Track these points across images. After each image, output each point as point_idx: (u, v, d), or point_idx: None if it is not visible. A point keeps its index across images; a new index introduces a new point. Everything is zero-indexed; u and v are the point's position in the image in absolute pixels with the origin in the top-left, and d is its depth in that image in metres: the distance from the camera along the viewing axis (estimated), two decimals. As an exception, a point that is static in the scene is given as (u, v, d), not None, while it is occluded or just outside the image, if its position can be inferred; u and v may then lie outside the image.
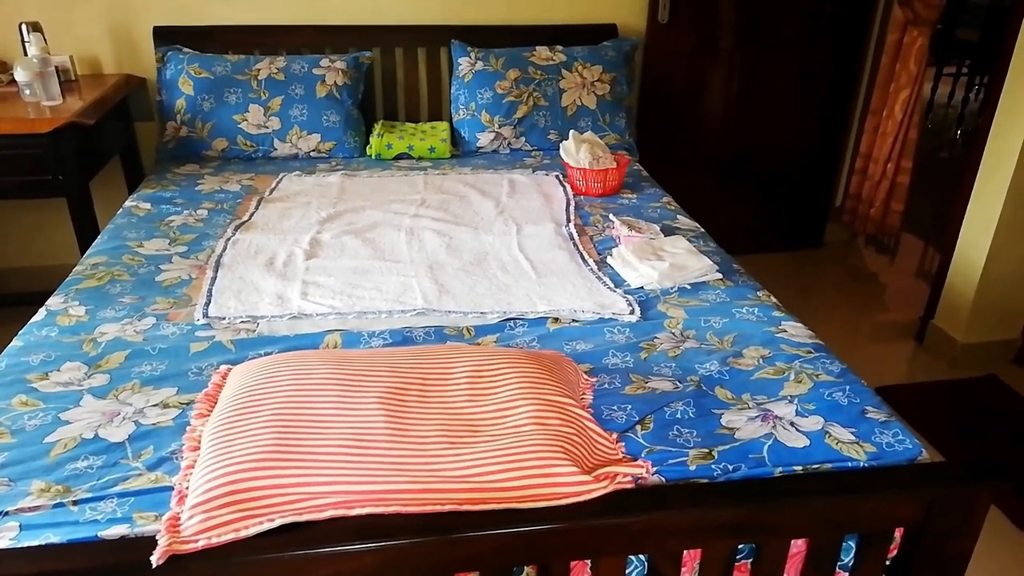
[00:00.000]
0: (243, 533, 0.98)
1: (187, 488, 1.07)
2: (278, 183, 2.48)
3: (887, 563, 1.20)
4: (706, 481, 1.16)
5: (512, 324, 1.65)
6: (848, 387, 1.42)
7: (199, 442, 1.17)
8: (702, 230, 2.19)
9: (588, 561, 1.10)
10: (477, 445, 1.12)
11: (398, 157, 2.74)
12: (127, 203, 2.34)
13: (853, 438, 1.28)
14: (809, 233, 3.58)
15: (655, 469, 1.18)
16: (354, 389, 1.21)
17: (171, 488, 1.12)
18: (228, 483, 1.04)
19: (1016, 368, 2.61)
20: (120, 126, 2.82)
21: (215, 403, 1.27)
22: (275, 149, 2.71)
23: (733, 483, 1.14)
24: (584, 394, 1.37)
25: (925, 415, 2.35)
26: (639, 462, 1.16)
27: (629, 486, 1.11)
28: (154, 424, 1.30)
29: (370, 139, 2.76)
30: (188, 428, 1.24)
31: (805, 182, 3.43)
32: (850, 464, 1.21)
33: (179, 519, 1.02)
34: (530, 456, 1.09)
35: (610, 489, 1.08)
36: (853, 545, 1.18)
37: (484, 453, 1.10)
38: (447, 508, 1.02)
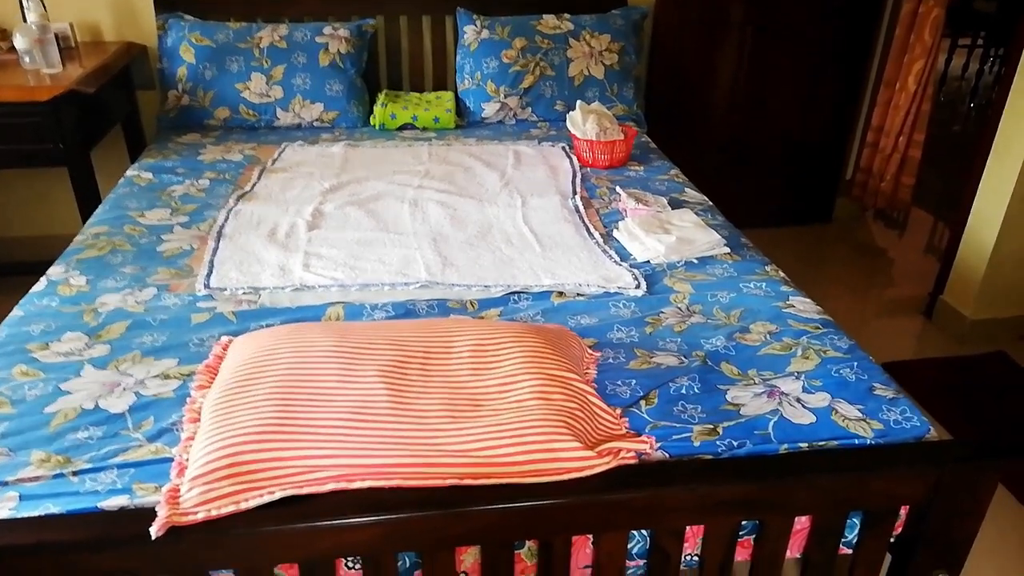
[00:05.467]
0: (243, 506, 0.98)
1: (187, 460, 1.07)
2: (280, 153, 2.45)
3: (891, 540, 1.19)
4: (711, 457, 1.15)
5: (516, 297, 1.64)
6: (856, 363, 1.40)
7: (199, 414, 1.16)
8: (710, 203, 2.16)
9: (590, 536, 1.09)
10: (479, 419, 1.11)
11: (402, 127, 2.70)
12: (128, 172, 2.32)
13: (860, 415, 1.26)
14: (818, 207, 3.53)
15: (659, 445, 1.17)
16: (356, 362, 1.20)
17: (171, 459, 1.11)
18: (229, 455, 1.03)
19: (1024, 345, 2.59)
20: (121, 94, 2.78)
21: (216, 375, 1.26)
22: (278, 119, 2.67)
23: (738, 460, 1.13)
24: (588, 368, 1.36)
25: (933, 391, 2.33)
26: (643, 438, 1.15)
27: (632, 462, 1.10)
28: (155, 395, 1.29)
29: (374, 109, 2.72)
30: (188, 400, 1.23)
31: (815, 155, 3.38)
32: (856, 441, 1.20)
33: (179, 491, 1.01)
34: (532, 431, 1.08)
35: (613, 465, 1.07)
36: (857, 522, 1.17)
37: (486, 427, 1.09)
38: (448, 482, 1.02)
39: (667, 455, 1.16)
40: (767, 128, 3.27)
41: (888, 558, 1.22)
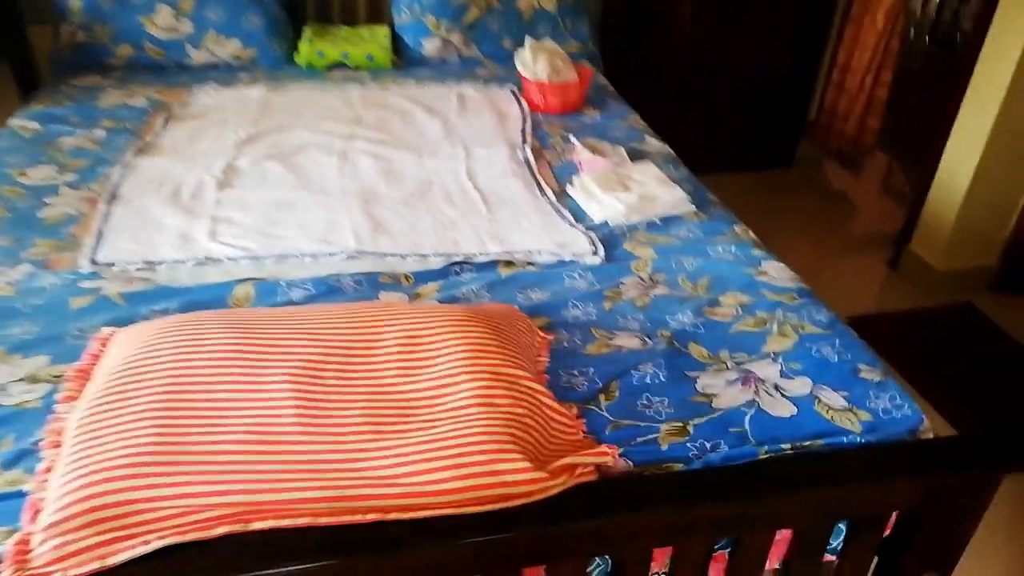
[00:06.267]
0: (111, 560, 0.78)
1: (43, 500, 0.86)
2: (191, 97, 2.16)
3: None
4: (681, 468, 0.99)
5: (458, 269, 1.44)
6: (838, 340, 1.26)
7: (62, 436, 0.95)
8: (672, 153, 1.96)
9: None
10: (409, 435, 0.93)
11: (331, 67, 2.41)
12: (11, 122, 2.00)
13: (845, 404, 1.12)
14: (779, 151, 3.37)
15: (621, 451, 1.00)
16: (259, 364, 1.00)
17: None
18: (91, 496, 0.83)
19: (992, 295, 2.50)
20: (5, 30, 2.41)
21: (88, 380, 1.04)
22: (188, 57, 2.36)
23: (711, 474, 0.97)
24: (540, 356, 1.18)
25: (899, 346, 2.23)
26: (603, 448, 0.97)
27: (592, 478, 0.93)
28: (17, 405, 1.07)
29: (299, 45, 2.41)
30: (50, 416, 1.01)
31: (778, 96, 3.19)
32: (845, 440, 1.05)
33: (30, 543, 0.81)
34: (472, 448, 0.90)
35: (569, 485, 0.90)
36: (843, 527, 1.04)
37: (417, 445, 0.91)
38: (370, 518, 0.83)
39: (631, 464, 0.99)
40: (729, 66, 3.05)
41: (874, 559, 1.09)
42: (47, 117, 2.02)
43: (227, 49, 2.36)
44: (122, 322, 1.22)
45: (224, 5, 2.33)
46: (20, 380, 1.11)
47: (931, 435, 1.07)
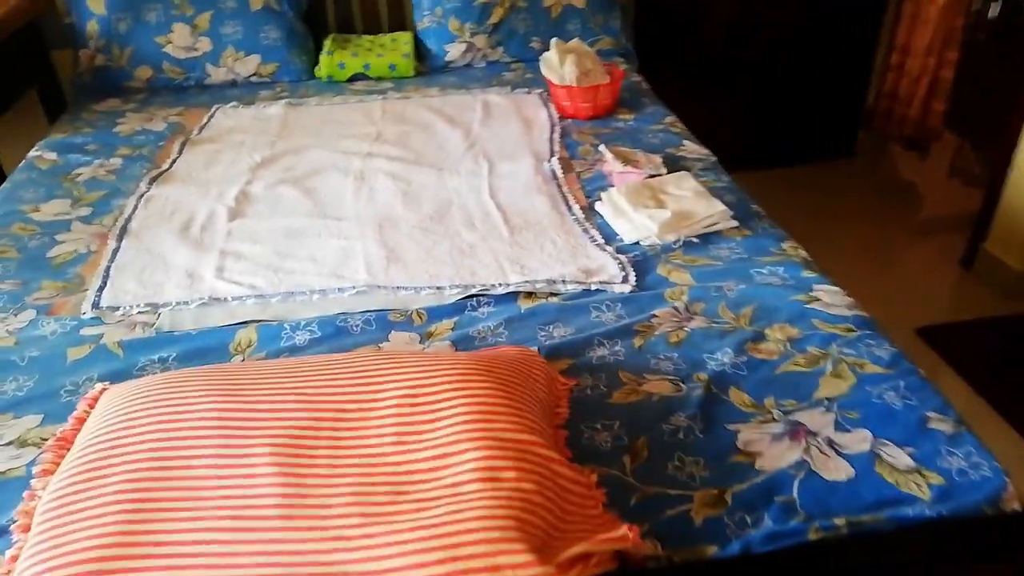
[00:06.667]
0: (67, 677, 0.70)
1: (5, 597, 0.79)
2: (210, 118, 2.10)
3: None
4: (714, 552, 0.86)
5: (474, 303, 1.32)
6: (902, 382, 1.10)
7: (32, 518, 0.87)
8: (713, 159, 1.81)
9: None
10: (400, 518, 0.82)
11: (353, 78, 2.33)
12: (31, 153, 1.98)
13: (912, 463, 0.97)
14: (839, 141, 3.13)
15: (647, 527, 0.88)
16: (243, 435, 0.90)
17: (-4, 586, 0.84)
18: (52, 597, 0.75)
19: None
20: (28, 57, 2.41)
21: (69, 449, 0.97)
22: (208, 76, 2.30)
23: (751, 562, 0.84)
24: (559, 407, 1.06)
25: (975, 359, 2.03)
26: (623, 530, 0.84)
27: (609, 567, 0.81)
28: (2, 474, 1.01)
29: (320, 58, 2.34)
30: (26, 493, 0.94)
31: (834, 82, 2.96)
32: (911, 512, 0.90)
33: (-15, 651, 0.74)
34: (471, 537, 0.79)
35: (582, 580, 0.78)
36: (913, 613, 0.89)
37: (409, 532, 0.80)
38: (354, 624, 0.73)
39: (658, 546, 0.87)
40: (777, 51, 2.84)
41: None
42: (65, 147, 1.99)
43: (247, 66, 2.30)
44: (118, 374, 1.16)
45: (241, 20, 2.27)
46: (8, 444, 1.06)
47: (1017, 504, 0.91)
